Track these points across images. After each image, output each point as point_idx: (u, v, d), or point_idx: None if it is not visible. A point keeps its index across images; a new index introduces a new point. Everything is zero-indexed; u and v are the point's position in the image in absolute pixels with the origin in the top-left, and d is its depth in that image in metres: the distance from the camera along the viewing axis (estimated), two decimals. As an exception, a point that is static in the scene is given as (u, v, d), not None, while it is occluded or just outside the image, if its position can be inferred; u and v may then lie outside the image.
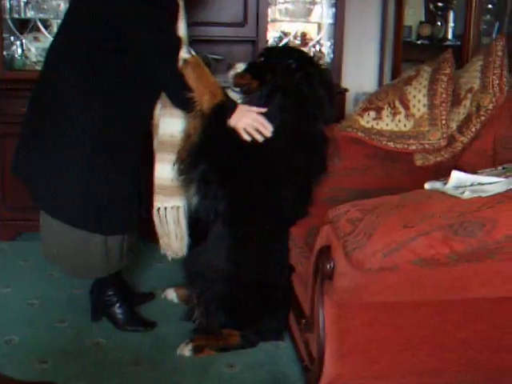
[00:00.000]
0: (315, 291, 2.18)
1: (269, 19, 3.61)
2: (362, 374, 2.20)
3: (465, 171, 2.20)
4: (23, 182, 2.60)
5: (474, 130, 2.77)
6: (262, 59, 2.61)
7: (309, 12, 3.70)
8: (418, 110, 2.88)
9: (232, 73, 2.61)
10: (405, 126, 2.89)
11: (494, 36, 3.46)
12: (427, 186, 2.19)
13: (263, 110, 2.47)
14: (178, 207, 2.66)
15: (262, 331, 2.65)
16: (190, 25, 3.43)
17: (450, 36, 3.59)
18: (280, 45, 2.82)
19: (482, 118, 2.73)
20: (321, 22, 3.74)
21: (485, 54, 2.88)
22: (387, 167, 2.95)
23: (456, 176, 2.09)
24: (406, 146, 2.90)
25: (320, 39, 3.76)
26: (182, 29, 2.51)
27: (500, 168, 2.25)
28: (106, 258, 2.61)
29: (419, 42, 3.66)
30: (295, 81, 2.47)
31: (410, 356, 2.19)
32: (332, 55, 3.73)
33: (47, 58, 2.55)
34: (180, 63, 2.45)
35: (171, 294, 3.05)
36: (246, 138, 2.47)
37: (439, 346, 2.20)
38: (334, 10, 3.68)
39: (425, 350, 2.19)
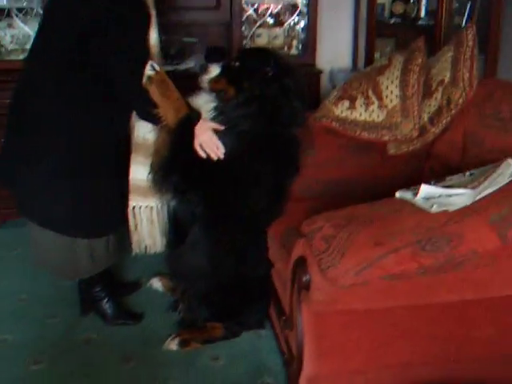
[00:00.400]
0: (293, 296, 2.30)
1: (243, 1, 3.62)
2: (338, 370, 2.35)
3: (433, 182, 2.28)
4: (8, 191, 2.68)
5: (444, 122, 2.85)
6: (238, 64, 2.62)
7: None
8: (391, 100, 2.94)
9: (207, 77, 2.62)
10: (378, 116, 2.96)
11: (466, 16, 3.49)
12: (398, 194, 2.28)
13: (221, 127, 2.52)
14: (152, 207, 2.76)
15: (244, 322, 2.79)
16: (165, 10, 3.49)
17: (422, 14, 3.61)
18: (255, 47, 2.75)
19: (453, 111, 2.81)
20: (296, 2, 3.75)
21: (455, 44, 2.92)
22: (361, 157, 3.03)
23: (425, 190, 2.18)
24: (379, 136, 2.97)
25: (294, 19, 3.77)
26: (153, 39, 2.53)
27: (468, 174, 2.33)
28: (91, 259, 2.70)
29: (392, 21, 3.68)
30: (272, 91, 2.50)
31: (382, 352, 2.33)
32: (306, 34, 3.74)
33: (27, 62, 2.58)
34: (144, 80, 2.47)
35: (156, 283, 3.17)
36: (202, 154, 2.52)
37: (409, 341, 2.33)
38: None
39: (396, 345, 2.33)
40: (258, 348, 2.74)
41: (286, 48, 3.84)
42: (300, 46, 3.82)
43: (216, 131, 2.51)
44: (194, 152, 2.53)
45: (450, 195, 2.20)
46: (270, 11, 3.76)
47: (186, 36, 3.73)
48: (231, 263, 2.66)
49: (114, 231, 2.75)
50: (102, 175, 2.59)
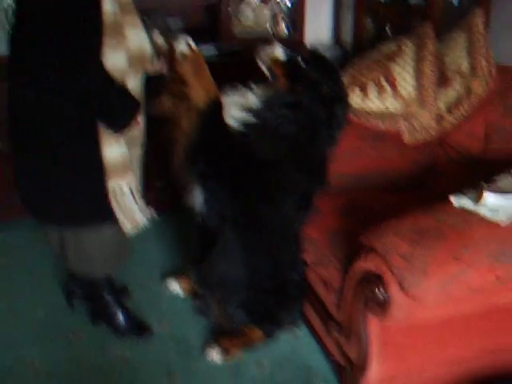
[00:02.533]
0: (355, 308, 2.31)
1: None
2: (398, 371, 2.40)
3: (486, 186, 2.31)
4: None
5: (463, 111, 2.88)
6: (304, 64, 2.45)
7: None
8: (406, 89, 2.93)
9: (270, 51, 2.46)
10: (392, 105, 2.95)
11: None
12: (454, 200, 2.29)
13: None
14: (131, 182, 2.53)
15: (280, 322, 2.77)
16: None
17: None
18: (325, 56, 2.57)
19: (473, 101, 2.84)
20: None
21: (466, 31, 2.94)
22: (378, 147, 3.02)
23: (488, 199, 2.20)
24: (395, 125, 2.97)
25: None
26: (108, 2, 2.28)
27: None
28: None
29: (382, 0, 3.63)
30: (321, 114, 2.40)
31: (439, 351, 2.40)
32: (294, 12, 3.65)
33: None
34: (178, 57, 2.35)
35: (173, 286, 3.08)
36: None
37: (464, 337, 2.41)
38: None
39: (452, 343, 2.40)
40: (298, 350, 2.74)
41: (273, 26, 3.73)
42: (287, 25, 3.71)
43: (259, 130, 2.41)
44: (224, 137, 2.42)
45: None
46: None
47: (166, 17, 3.53)
48: (266, 267, 2.62)
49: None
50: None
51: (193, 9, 3.60)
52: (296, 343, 2.78)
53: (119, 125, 2.36)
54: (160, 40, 2.52)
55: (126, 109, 2.37)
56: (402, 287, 2.05)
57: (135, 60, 2.41)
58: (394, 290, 2.09)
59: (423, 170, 3.07)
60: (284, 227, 2.61)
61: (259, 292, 2.65)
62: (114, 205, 2.49)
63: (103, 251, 2.61)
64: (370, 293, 2.19)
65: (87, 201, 2.46)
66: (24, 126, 2.36)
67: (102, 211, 2.49)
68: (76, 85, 2.20)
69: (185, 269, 3.03)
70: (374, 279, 2.17)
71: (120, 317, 2.79)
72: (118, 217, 2.51)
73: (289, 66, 2.45)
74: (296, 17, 3.67)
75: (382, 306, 2.15)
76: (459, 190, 2.33)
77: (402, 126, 2.96)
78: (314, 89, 2.40)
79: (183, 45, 2.38)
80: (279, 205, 2.53)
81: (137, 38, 2.42)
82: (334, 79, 2.49)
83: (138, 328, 2.82)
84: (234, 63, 3.19)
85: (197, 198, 2.58)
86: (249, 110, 2.44)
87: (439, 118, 2.93)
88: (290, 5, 3.75)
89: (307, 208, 2.63)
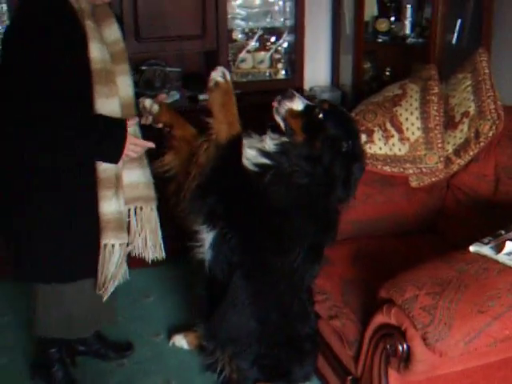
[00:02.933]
0: (373, 362, 2.23)
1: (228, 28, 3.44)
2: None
3: (504, 232, 2.27)
4: None
5: (471, 153, 2.84)
6: (321, 116, 2.38)
7: (266, 15, 3.56)
8: (413, 133, 2.89)
9: (288, 105, 2.38)
10: (399, 150, 2.90)
11: (456, 32, 3.47)
12: (472, 249, 2.23)
13: None
14: (123, 244, 2.47)
15: (293, 378, 2.68)
16: (148, 40, 3.27)
17: (407, 31, 3.57)
18: (344, 110, 2.53)
19: (482, 143, 2.80)
20: (281, 26, 3.62)
21: (471, 72, 2.91)
22: (386, 192, 2.96)
23: (509, 247, 2.15)
24: (402, 169, 2.92)
25: (280, 41, 3.65)
26: (96, 49, 2.28)
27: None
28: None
29: (380, 40, 3.61)
30: (338, 171, 2.34)
31: None
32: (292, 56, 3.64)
33: None
34: (211, 84, 2.29)
35: (180, 341, 2.98)
36: None
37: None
38: (289, 10, 3.57)
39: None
40: (313, 405, 2.65)
41: (272, 71, 3.71)
42: (285, 68, 3.70)
43: (274, 173, 2.34)
44: (241, 176, 2.34)
45: (533, 247, 2.19)
46: (256, 35, 3.60)
47: (166, 65, 3.50)
48: (278, 319, 2.54)
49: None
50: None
51: (191, 56, 3.58)
52: (309, 397, 2.69)
53: (113, 158, 2.31)
54: (148, 103, 2.47)
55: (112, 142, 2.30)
56: (425, 342, 1.99)
57: (126, 107, 2.39)
58: (417, 345, 2.02)
59: (432, 213, 3.01)
60: (295, 278, 2.53)
61: (271, 346, 2.56)
62: (100, 262, 2.42)
63: (83, 309, 2.54)
64: (390, 347, 2.12)
65: (76, 256, 2.41)
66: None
67: (88, 267, 2.44)
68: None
69: (192, 323, 2.93)
70: (394, 333, 2.10)
71: (59, 375, 2.68)
72: (99, 274, 2.44)
73: (307, 119, 2.37)
74: (295, 59, 3.64)
75: (404, 361, 2.08)
76: (477, 240, 2.27)
77: (410, 170, 2.91)
78: (332, 146, 2.34)
79: (219, 73, 2.31)
80: (290, 254, 2.45)
81: (126, 85, 2.42)
82: (354, 137, 2.43)
83: None
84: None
85: (204, 241, 2.49)
86: (265, 153, 2.38)
87: (447, 161, 2.89)
88: (286, 47, 3.73)
89: (318, 260, 2.56)
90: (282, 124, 2.40)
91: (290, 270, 2.48)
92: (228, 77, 2.34)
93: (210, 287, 2.60)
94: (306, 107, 2.40)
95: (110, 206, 2.38)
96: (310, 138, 2.36)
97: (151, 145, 2.38)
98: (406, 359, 2.06)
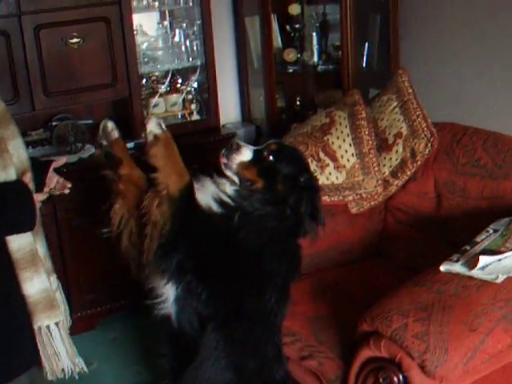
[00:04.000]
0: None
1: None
2: None
3: (469, 248, 2.28)
4: None
5: (409, 173, 2.86)
6: (272, 158, 2.33)
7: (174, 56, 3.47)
8: (348, 160, 2.88)
9: (237, 159, 2.29)
10: (337, 178, 2.89)
11: (365, 55, 3.53)
12: (443, 268, 2.22)
13: None
14: (59, 322, 2.26)
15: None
16: (57, 93, 3.09)
17: (315, 59, 3.59)
18: (289, 146, 2.48)
19: (419, 162, 2.83)
20: (189, 66, 3.53)
21: (395, 93, 2.95)
22: (328, 223, 2.89)
23: (483, 261, 2.16)
24: (341, 197, 2.90)
25: (191, 82, 3.56)
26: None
27: (491, 231, 2.35)
28: None
29: (290, 70, 3.60)
30: (302, 207, 2.29)
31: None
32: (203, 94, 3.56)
33: None
34: (149, 138, 2.12)
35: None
36: None
37: None
38: (196, 49, 3.50)
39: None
40: None
41: (186, 113, 3.61)
42: (197, 108, 3.61)
43: (242, 222, 2.23)
44: (202, 224, 2.22)
45: (499, 259, 2.21)
46: (167, 79, 3.49)
47: (75, 117, 3.32)
48: (254, 365, 2.42)
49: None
50: None
51: (101, 106, 3.40)
52: None
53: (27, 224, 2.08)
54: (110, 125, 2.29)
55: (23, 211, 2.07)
56: (424, 370, 1.95)
57: (20, 172, 2.14)
58: (415, 374, 1.99)
59: (375, 236, 3.02)
60: (270, 319, 2.43)
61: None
62: (39, 348, 2.20)
63: None
64: (384, 380, 2.06)
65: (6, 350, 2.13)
66: None
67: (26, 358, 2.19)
68: None
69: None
70: (386, 365, 2.05)
71: None
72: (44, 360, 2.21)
73: (259, 165, 2.30)
74: (208, 99, 3.56)
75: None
76: (448, 259, 2.26)
77: (349, 197, 2.90)
78: (293, 184, 2.29)
79: (155, 125, 2.14)
80: (265, 295, 2.34)
81: (18, 148, 2.18)
82: (307, 169, 2.41)
83: None
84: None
85: (166, 296, 2.30)
86: (226, 195, 2.28)
87: (385, 183, 2.90)
88: (196, 87, 3.65)
89: (288, 298, 2.48)
90: (235, 178, 2.30)
91: (265, 312, 2.39)
92: (164, 126, 2.21)
93: (175, 343, 2.44)
94: (255, 154, 2.33)
95: (32, 286, 2.15)
96: (268, 182, 2.30)
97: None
98: (403, 388, 2.02)
